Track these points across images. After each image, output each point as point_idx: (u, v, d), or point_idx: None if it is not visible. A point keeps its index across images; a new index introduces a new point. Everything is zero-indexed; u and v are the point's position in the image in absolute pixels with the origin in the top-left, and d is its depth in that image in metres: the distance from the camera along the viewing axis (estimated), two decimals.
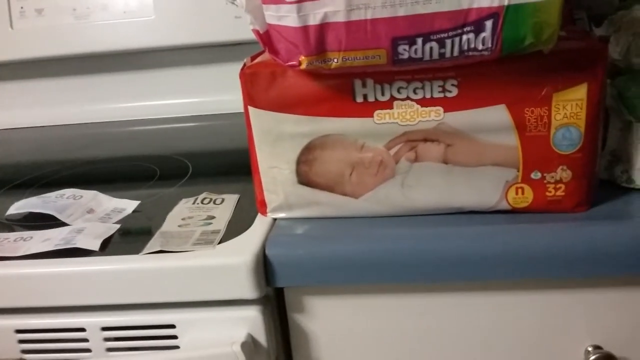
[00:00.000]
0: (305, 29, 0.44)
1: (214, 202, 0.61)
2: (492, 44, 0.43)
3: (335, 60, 0.45)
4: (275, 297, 0.56)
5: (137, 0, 0.80)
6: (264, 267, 0.51)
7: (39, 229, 0.58)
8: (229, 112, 0.86)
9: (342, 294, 0.55)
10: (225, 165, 0.74)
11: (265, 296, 0.52)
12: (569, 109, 0.47)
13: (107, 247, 0.55)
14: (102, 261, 0.52)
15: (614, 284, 0.52)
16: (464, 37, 0.43)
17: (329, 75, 0.48)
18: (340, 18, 0.43)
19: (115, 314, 0.53)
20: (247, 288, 0.50)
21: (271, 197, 0.55)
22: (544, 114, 0.48)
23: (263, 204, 0.56)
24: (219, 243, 0.53)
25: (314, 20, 0.43)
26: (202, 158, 0.77)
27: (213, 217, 0.58)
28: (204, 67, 0.86)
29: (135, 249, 0.52)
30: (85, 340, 0.54)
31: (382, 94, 0.49)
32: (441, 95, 0.49)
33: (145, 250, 0.52)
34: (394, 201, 0.54)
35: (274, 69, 0.50)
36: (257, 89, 0.51)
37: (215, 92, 0.82)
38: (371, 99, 0.50)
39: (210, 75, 0.84)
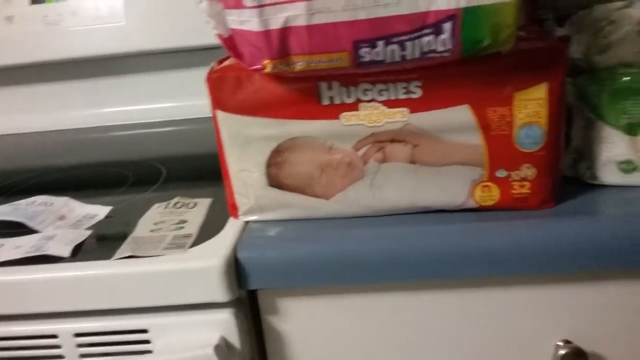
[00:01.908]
0: (267, 33, 0.44)
1: (187, 207, 0.61)
2: (451, 45, 0.43)
3: (299, 63, 0.46)
4: (248, 300, 0.56)
5: (108, 6, 0.80)
6: (236, 270, 0.52)
7: (10, 237, 0.58)
8: (203, 117, 0.86)
9: (316, 294, 0.55)
10: (199, 169, 0.74)
11: (238, 299, 0.53)
12: (531, 108, 0.48)
13: (79, 253, 0.54)
14: (73, 267, 0.52)
15: (581, 279, 0.53)
16: (424, 39, 0.43)
17: (294, 78, 0.49)
18: (302, 22, 0.43)
19: (87, 320, 0.53)
20: (218, 291, 0.51)
21: (242, 200, 0.56)
22: (507, 113, 0.49)
23: (234, 207, 0.57)
24: (191, 247, 0.53)
25: (275, 24, 0.44)
26: (175, 162, 0.77)
27: (185, 221, 0.58)
28: (176, 71, 0.86)
29: (107, 255, 0.52)
30: (58, 347, 0.53)
31: (348, 96, 0.50)
32: (406, 96, 0.49)
33: (116, 255, 0.52)
34: (363, 202, 0.54)
35: (240, 73, 0.50)
36: (224, 92, 0.51)
37: (188, 97, 0.82)
38: (337, 101, 0.50)
39: (182, 79, 0.84)
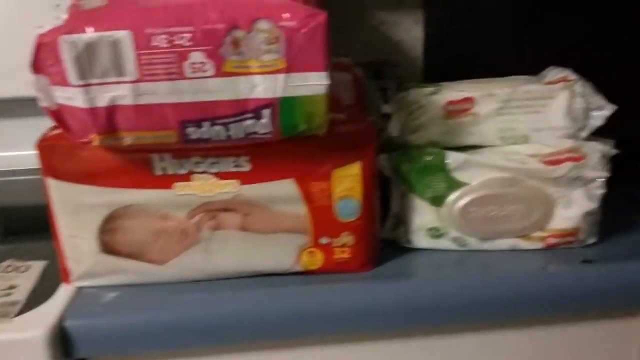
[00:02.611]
0: (93, 110, 0.45)
1: (18, 270, 0.60)
2: (271, 129, 0.48)
3: (128, 138, 0.47)
4: None
5: None
6: (63, 338, 0.51)
7: None
8: None
9: None
10: (40, 223, 0.72)
11: None
12: (347, 183, 0.54)
13: None
14: None
15: (394, 336, 0.59)
16: (246, 122, 0.47)
17: (127, 149, 0.50)
18: (129, 102, 0.45)
19: None
20: None
21: (74, 266, 0.55)
22: (327, 188, 0.54)
23: (66, 272, 0.56)
24: (17, 315, 0.51)
25: (102, 102, 0.45)
26: (13, 216, 0.74)
27: (15, 287, 0.57)
28: (18, 120, 0.83)
29: None
30: None
31: (181, 167, 0.52)
32: (236, 169, 0.53)
33: None
34: (198, 267, 0.56)
35: (72, 142, 0.50)
36: (55, 160, 0.51)
37: (29, 146, 0.79)
38: (170, 172, 0.52)
39: (24, 128, 0.81)
